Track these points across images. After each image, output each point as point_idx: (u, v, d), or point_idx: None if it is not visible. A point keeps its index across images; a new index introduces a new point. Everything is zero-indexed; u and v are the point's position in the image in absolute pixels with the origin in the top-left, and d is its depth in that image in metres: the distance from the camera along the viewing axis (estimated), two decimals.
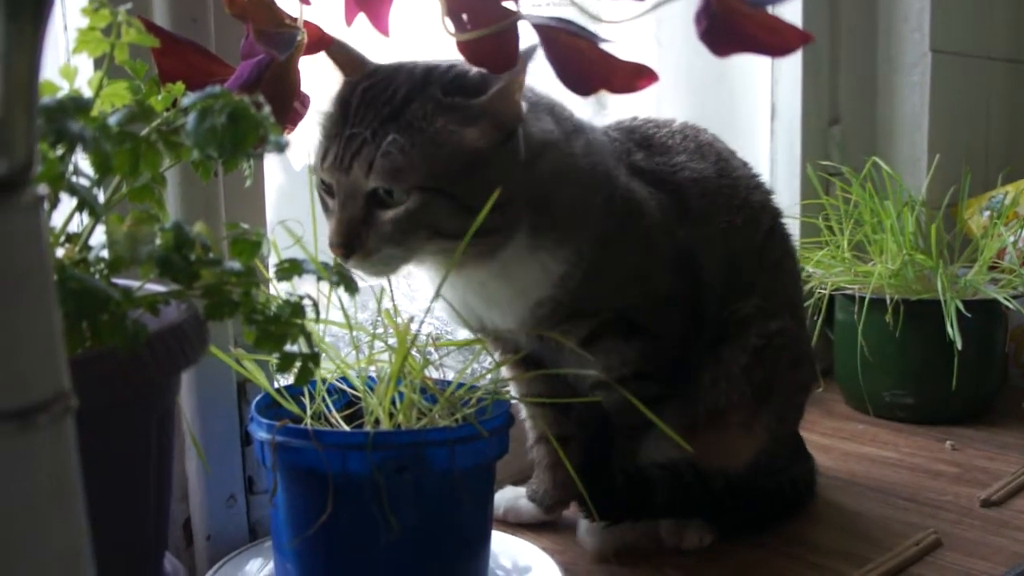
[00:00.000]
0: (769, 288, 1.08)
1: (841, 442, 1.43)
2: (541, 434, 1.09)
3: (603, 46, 0.71)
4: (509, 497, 1.12)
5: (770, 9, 0.66)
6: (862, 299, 1.47)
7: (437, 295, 0.86)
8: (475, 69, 0.85)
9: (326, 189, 0.87)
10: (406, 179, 0.82)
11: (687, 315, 1.01)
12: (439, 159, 0.82)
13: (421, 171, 0.82)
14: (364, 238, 0.83)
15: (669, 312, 1.00)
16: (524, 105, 0.86)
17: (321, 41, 0.82)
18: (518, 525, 1.10)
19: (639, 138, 1.06)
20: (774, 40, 0.67)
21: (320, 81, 0.88)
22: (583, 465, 0.94)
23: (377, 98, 0.84)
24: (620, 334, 0.96)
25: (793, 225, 1.62)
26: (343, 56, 0.88)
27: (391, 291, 0.89)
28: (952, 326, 1.37)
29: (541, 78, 0.82)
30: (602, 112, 1.44)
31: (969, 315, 1.38)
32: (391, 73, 0.87)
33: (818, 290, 1.53)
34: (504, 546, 0.96)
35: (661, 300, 0.99)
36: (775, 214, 1.13)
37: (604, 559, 1.01)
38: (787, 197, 1.72)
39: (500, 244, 0.87)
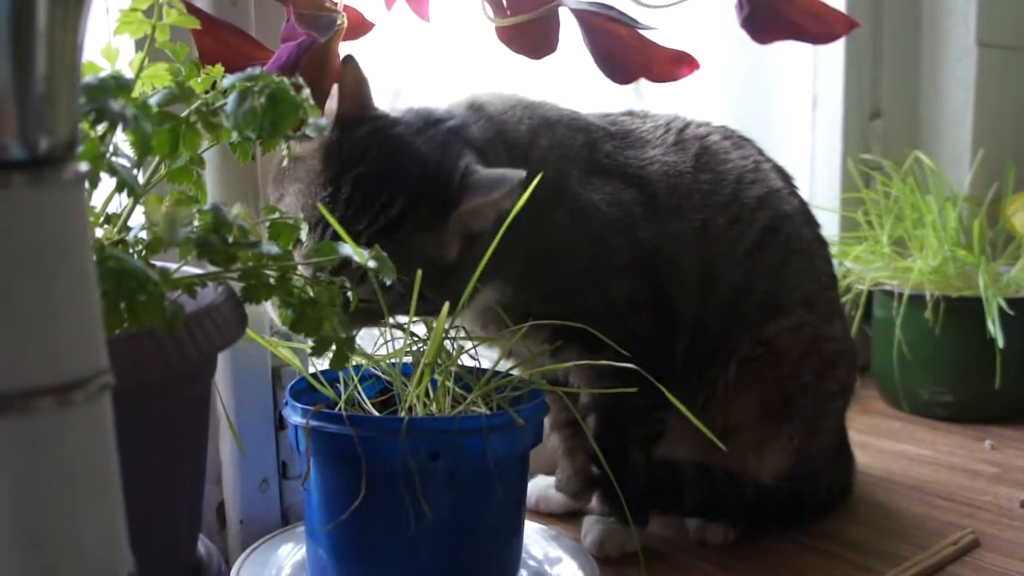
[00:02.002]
0: (773, 290, 1.02)
1: (877, 439, 1.41)
2: (554, 421, 1.08)
3: (644, 32, 0.71)
4: (542, 486, 1.12)
5: None
6: (901, 295, 1.45)
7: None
8: (465, 160, 0.83)
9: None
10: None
11: (657, 320, 0.96)
12: (414, 269, 0.79)
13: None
14: None
15: (631, 319, 0.95)
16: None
17: (361, 25, 0.81)
18: (549, 514, 1.10)
19: (617, 131, 1.02)
20: (818, 27, 0.66)
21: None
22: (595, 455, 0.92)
23: (371, 200, 0.82)
24: (585, 347, 0.89)
25: (832, 219, 1.61)
26: (352, 83, 0.83)
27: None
28: (994, 323, 1.35)
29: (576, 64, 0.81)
30: (639, 102, 1.43)
31: (1012, 313, 1.36)
32: (387, 164, 0.83)
33: (856, 286, 1.52)
34: (536, 536, 0.96)
35: (621, 306, 0.95)
36: (780, 212, 1.04)
37: (603, 556, 0.97)
38: (827, 190, 1.71)
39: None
